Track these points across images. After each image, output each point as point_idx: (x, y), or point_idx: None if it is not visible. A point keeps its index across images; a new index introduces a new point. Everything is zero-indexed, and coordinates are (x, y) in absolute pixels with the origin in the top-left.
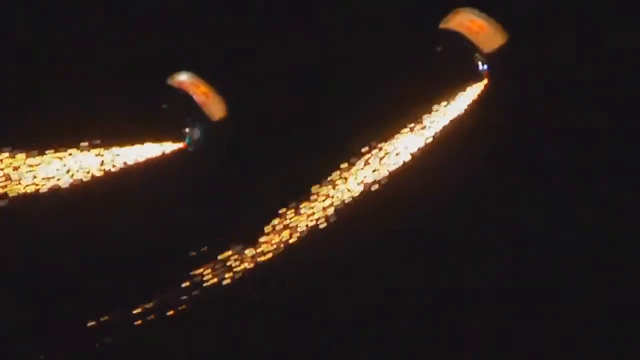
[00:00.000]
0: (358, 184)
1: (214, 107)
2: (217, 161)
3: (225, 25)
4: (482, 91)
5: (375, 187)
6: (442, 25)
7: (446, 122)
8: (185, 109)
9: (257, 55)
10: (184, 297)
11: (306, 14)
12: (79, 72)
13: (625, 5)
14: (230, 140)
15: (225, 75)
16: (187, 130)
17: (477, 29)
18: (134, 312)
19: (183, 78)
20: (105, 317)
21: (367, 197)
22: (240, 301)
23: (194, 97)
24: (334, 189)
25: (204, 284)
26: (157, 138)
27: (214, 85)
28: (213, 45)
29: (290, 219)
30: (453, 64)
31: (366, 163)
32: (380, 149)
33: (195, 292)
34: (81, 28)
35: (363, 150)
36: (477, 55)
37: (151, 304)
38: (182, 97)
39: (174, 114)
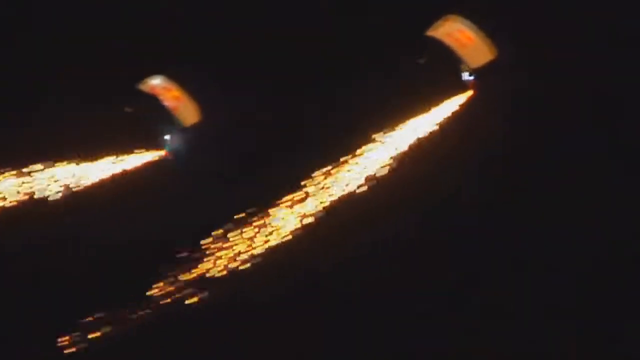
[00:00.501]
0: (336, 190)
1: (186, 111)
2: (193, 167)
3: (201, 29)
4: (466, 101)
5: (355, 191)
6: (430, 33)
7: (427, 130)
8: (155, 115)
9: (232, 59)
10: (162, 300)
11: (287, 17)
12: (53, 82)
13: (608, 20)
14: (203, 145)
15: (198, 78)
16: (165, 137)
17: (466, 41)
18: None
19: (155, 82)
20: (90, 318)
21: (346, 203)
22: (222, 300)
23: (165, 102)
24: (310, 193)
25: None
26: (136, 147)
27: (186, 89)
28: (186, 48)
29: (264, 222)
30: (438, 74)
31: (344, 169)
32: (359, 155)
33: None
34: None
35: (342, 157)
36: (463, 65)
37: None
38: (153, 102)
39: (146, 120)
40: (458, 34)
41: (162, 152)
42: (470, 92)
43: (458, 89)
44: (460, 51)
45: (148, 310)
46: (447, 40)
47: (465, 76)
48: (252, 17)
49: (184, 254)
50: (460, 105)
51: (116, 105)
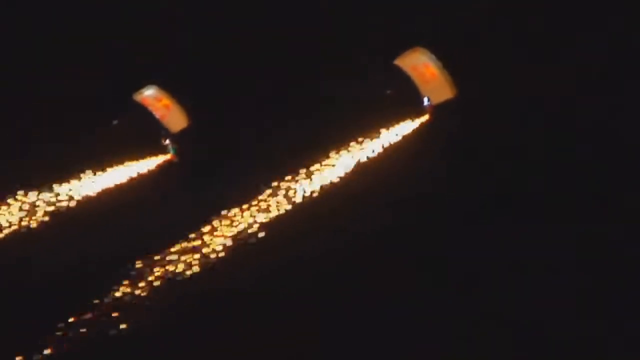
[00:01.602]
0: (304, 195)
1: (175, 119)
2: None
3: (189, 39)
4: (423, 124)
5: (318, 196)
6: (397, 62)
7: (382, 147)
8: (143, 124)
9: (222, 70)
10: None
11: (267, 31)
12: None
13: (570, 52)
14: (190, 151)
15: (188, 87)
16: (167, 142)
17: (429, 77)
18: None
19: (148, 93)
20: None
21: (311, 207)
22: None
23: (154, 111)
24: (282, 196)
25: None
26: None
27: (176, 97)
28: (176, 58)
29: (236, 225)
30: (399, 99)
31: (311, 177)
32: (324, 165)
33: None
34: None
35: (310, 166)
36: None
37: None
38: (142, 112)
39: (141, 129)
40: (423, 68)
41: (172, 156)
42: (426, 117)
43: (417, 112)
44: (423, 86)
45: (127, 310)
46: (412, 74)
47: (426, 101)
48: (233, 31)
49: (158, 256)
50: (413, 130)
51: (110, 116)
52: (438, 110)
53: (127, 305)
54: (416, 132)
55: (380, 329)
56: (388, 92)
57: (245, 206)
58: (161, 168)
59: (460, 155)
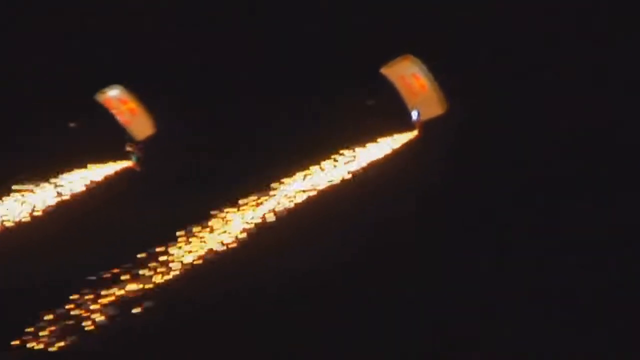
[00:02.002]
0: (276, 207)
1: (141, 126)
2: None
3: (159, 41)
4: (411, 140)
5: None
6: (384, 70)
7: (365, 162)
8: (109, 129)
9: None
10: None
11: (244, 36)
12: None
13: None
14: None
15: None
16: (130, 148)
17: (418, 89)
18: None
19: (112, 94)
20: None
21: (286, 220)
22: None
23: (118, 116)
24: (250, 212)
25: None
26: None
27: (143, 101)
28: (145, 60)
29: (201, 239)
30: (385, 111)
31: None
32: (294, 178)
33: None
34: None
35: (282, 178)
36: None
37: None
38: (105, 115)
39: (103, 133)
40: (412, 79)
41: (129, 163)
42: (415, 133)
43: (403, 129)
44: (410, 100)
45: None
46: (399, 85)
47: (415, 115)
48: (208, 36)
49: (131, 265)
50: (401, 145)
51: (72, 117)
52: (427, 127)
53: (70, 329)
54: (399, 151)
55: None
56: (369, 103)
57: (207, 222)
58: (120, 176)
59: (450, 175)
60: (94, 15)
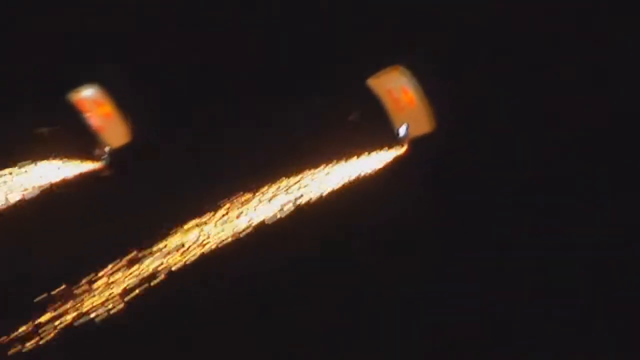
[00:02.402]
0: (257, 215)
1: (116, 132)
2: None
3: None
4: (398, 157)
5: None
6: (371, 81)
7: (350, 176)
8: (81, 133)
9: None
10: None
11: (225, 42)
12: None
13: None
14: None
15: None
16: (101, 150)
17: (406, 103)
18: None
19: (87, 94)
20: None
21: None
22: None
23: (92, 119)
24: (229, 225)
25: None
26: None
27: (119, 105)
28: (123, 56)
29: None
30: (371, 126)
31: (260, 201)
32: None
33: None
34: None
35: (262, 187)
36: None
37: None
38: (77, 119)
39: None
40: (400, 93)
41: (103, 166)
42: (402, 150)
43: (390, 143)
44: (396, 115)
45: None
46: (386, 99)
47: (402, 130)
48: (188, 38)
49: (110, 266)
50: (386, 163)
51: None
52: (415, 144)
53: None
54: (383, 169)
55: None
56: (351, 116)
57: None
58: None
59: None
60: (94, 15)
